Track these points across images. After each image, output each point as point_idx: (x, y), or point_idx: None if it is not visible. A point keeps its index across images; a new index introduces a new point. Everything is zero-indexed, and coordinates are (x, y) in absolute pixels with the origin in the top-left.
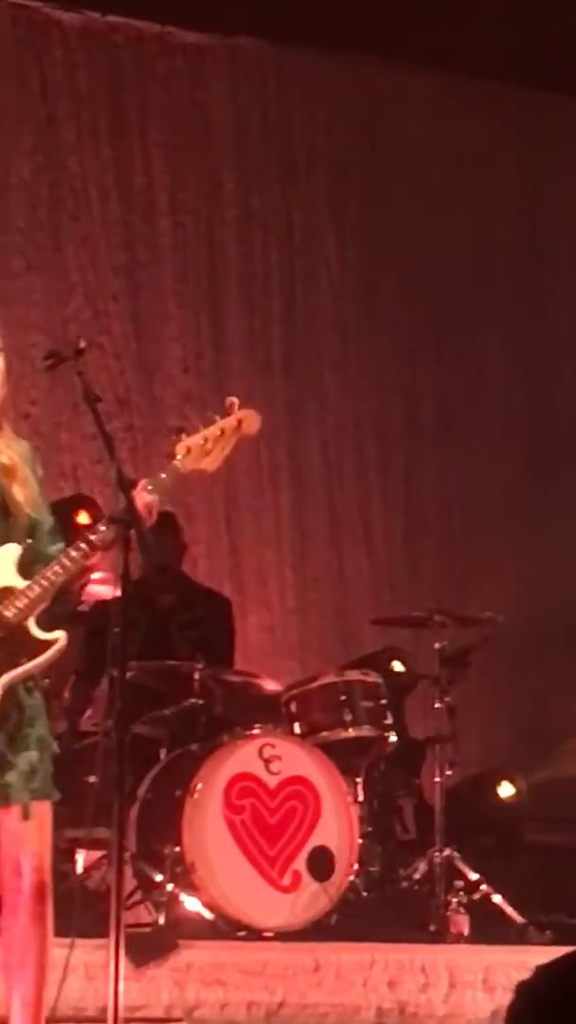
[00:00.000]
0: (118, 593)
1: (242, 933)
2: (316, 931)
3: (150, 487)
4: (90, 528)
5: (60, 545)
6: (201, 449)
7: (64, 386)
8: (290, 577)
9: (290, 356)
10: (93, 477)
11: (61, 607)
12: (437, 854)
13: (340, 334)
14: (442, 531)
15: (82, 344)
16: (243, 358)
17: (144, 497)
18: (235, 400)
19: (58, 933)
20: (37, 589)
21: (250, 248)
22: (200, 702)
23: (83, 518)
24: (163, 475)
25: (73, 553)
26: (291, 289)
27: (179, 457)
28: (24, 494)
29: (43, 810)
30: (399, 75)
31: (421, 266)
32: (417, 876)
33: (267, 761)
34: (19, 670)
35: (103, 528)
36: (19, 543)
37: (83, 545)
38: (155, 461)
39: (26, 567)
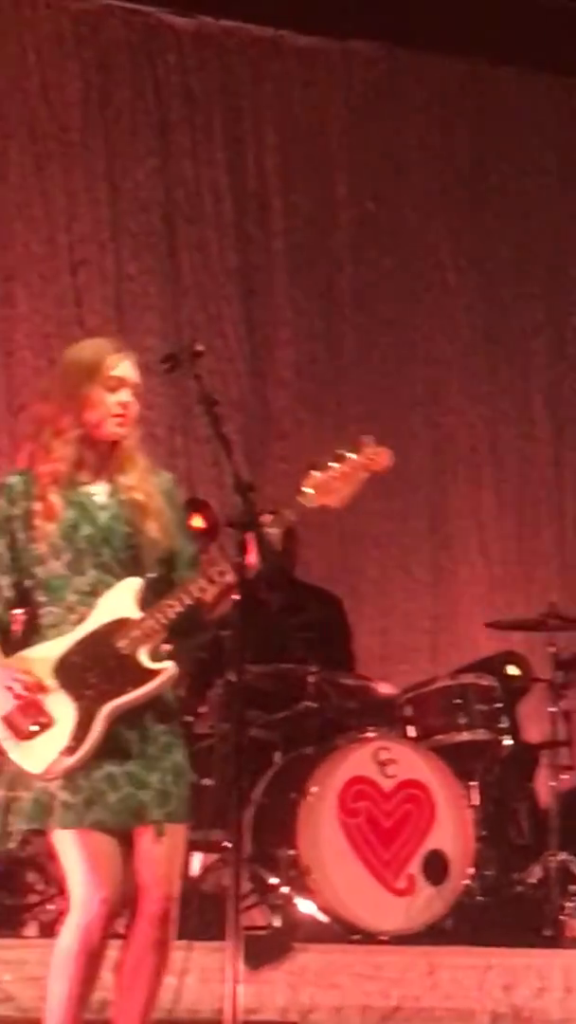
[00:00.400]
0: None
1: (357, 936)
2: (431, 935)
3: (273, 523)
4: (212, 562)
5: (192, 574)
6: (329, 485)
7: (178, 389)
8: (401, 579)
9: (404, 359)
10: (208, 480)
11: (190, 637)
12: (552, 858)
13: (451, 336)
14: (556, 533)
15: (199, 348)
16: (356, 361)
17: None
18: (369, 438)
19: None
20: (151, 621)
21: (363, 251)
22: (314, 705)
23: (197, 522)
24: (287, 511)
25: (190, 587)
26: (405, 292)
27: (307, 492)
28: (157, 527)
29: (177, 834)
30: (510, 76)
31: (535, 267)
32: (532, 880)
33: (382, 764)
34: (123, 699)
35: (222, 568)
36: (147, 575)
37: (201, 580)
38: (269, 464)
39: (148, 599)
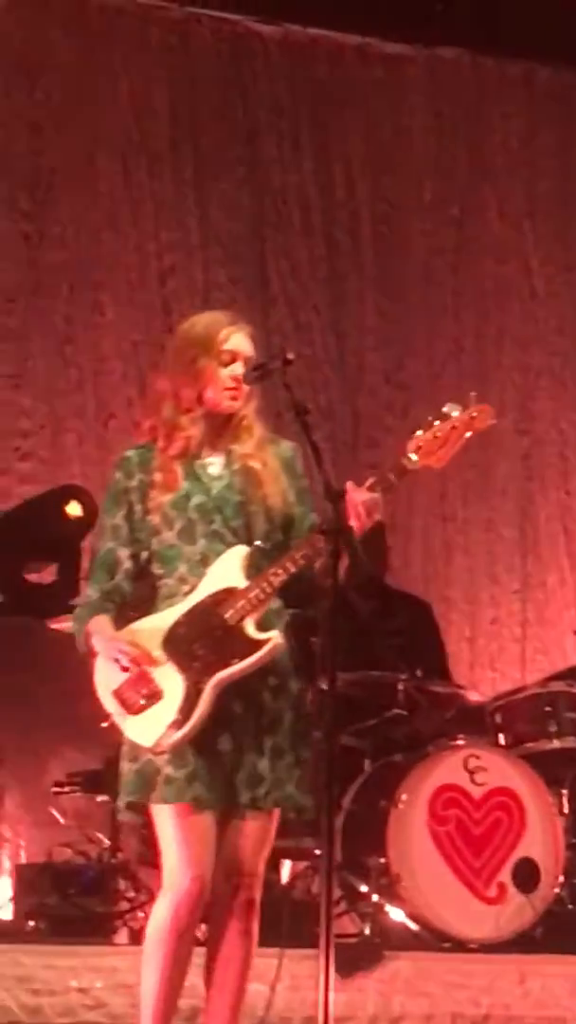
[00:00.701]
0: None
1: (447, 944)
2: (521, 943)
3: (376, 486)
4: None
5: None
6: (433, 444)
7: (266, 397)
8: (490, 587)
9: (492, 366)
10: None
11: (307, 605)
12: None
13: (540, 343)
14: None
15: (289, 356)
16: (445, 368)
17: (363, 495)
18: (474, 394)
19: (265, 943)
20: (256, 590)
21: (451, 257)
22: (404, 712)
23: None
24: (391, 474)
25: (296, 555)
26: (493, 299)
27: (411, 455)
28: (273, 495)
29: (265, 821)
30: None
31: None
32: None
33: (472, 772)
34: (230, 670)
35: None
36: (256, 543)
37: (305, 548)
38: (360, 472)
39: (259, 568)
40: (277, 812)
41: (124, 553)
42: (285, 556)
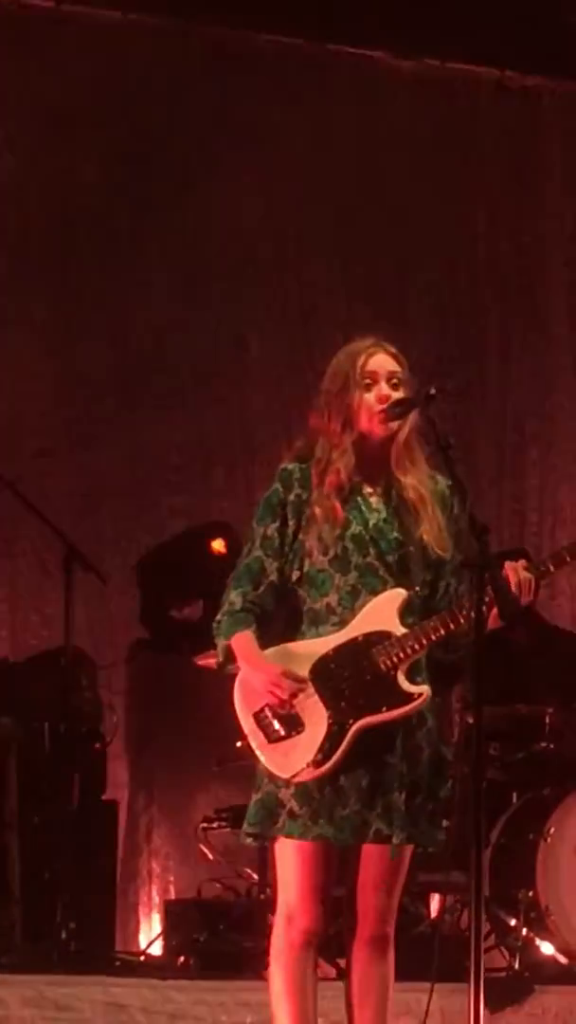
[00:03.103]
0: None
1: None
2: None
3: (530, 568)
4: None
5: (462, 587)
6: None
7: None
8: None
9: None
10: None
11: (446, 654)
12: None
13: None
14: None
15: (432, 391)
16: None
17: (521, 573)
18: None
19: (415, 978)
20: (413, 642)
21: None
22: (551, 745)
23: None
24: (550, 564)
25: (458, 615)
26: None
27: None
28: (430, 531)
29: (398, 857)
30: None
31: None
32: None
33: None
34: (377, 717)
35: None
36: (415, 582)
37: (467, 608)
38: (503, 505)
39: (413, 611)
40: (410, 848)
41: (272, 565)
42: (447, 613)
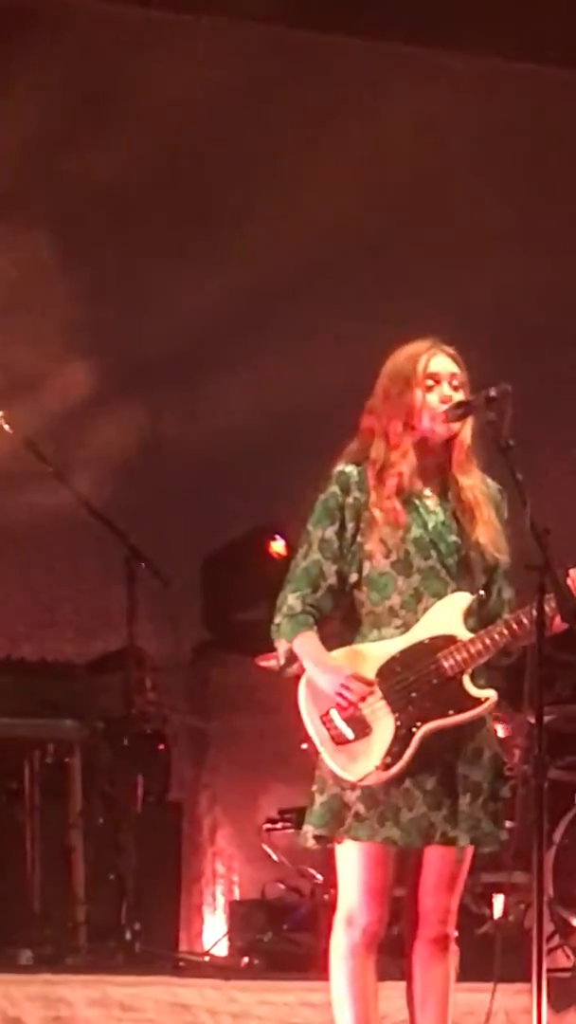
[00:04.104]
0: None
1: None
2: None
3: None
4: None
5: (510, 592)
6: None
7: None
8: None
9: None
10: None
11: (500, 659)
12: None
13: None
14: None
15: (492, 393)
16: None
17: None
18: None
19: (478, 978)
20: (479, 646)
21: None
22: None
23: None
24: None
25: (522, 617)
26: None
27: None
28: (486, 534)
29: (460, 858)
30: None
31: None
32: None
33: None
34: (444, 721)
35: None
36: (474, 585)
37: (529, 610)
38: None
39: (474, 615)
40: (471, 849)
41: (330, 568)
42: (512, 617)
